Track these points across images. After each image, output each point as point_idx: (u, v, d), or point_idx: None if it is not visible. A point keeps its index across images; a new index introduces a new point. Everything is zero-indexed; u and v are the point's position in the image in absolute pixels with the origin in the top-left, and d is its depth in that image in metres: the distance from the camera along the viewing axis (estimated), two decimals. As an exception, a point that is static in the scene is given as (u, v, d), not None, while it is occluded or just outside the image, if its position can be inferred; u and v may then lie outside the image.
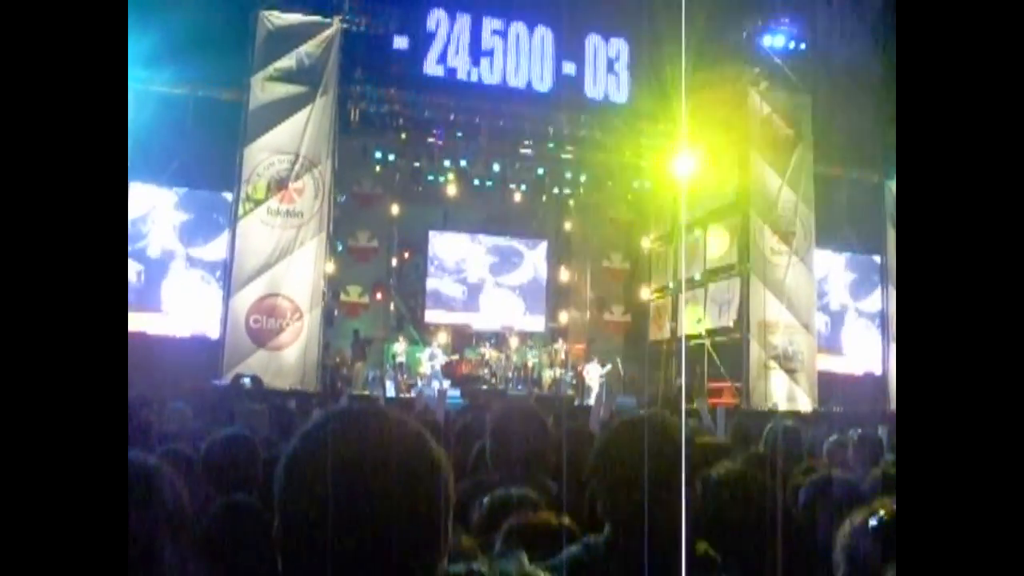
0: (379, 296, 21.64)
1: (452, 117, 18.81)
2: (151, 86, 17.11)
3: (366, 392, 17.65)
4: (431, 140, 19.45)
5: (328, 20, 17.48)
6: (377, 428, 1.26)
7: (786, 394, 18.91)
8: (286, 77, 17.07)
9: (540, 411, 3.25)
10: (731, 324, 19.92)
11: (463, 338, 21.66)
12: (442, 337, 20.84)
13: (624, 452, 2.06)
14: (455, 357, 20.61)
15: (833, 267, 22.10)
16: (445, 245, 23.02)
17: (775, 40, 19.84)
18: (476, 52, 18.07)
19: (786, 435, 3.94)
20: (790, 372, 19.13)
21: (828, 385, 19.63)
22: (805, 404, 18.82)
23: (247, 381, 14.91)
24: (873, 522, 2.02)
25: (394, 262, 22.35)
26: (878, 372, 21.34)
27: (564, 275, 23.49)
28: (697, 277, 21.78)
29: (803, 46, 19.90)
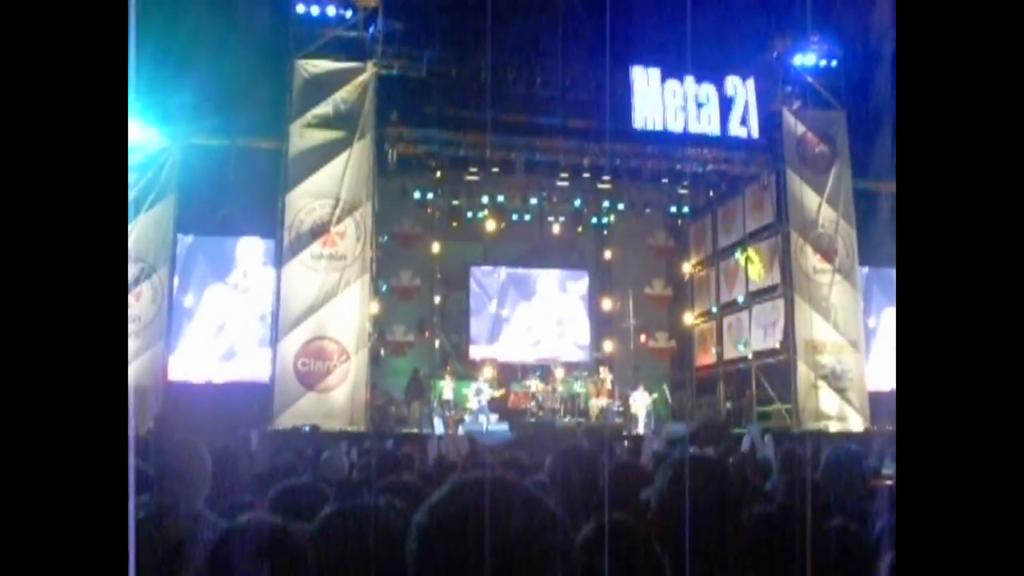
0: (425, 334, 21.76)
1: (488, 154, 18.96)
2: (192, 139, 17.58)
3: (415, 431, 17.71)
4: (468, 177, 19.60)
5: (362, 65, 17.81)
6: (502, 497, 1.31)
7: (837, 413, 18.67)
8: (324, 123, 17.40)
9: (593, 452, 3.30)
10: (777, 345, 19.74)
11: (509, 371, 21.66)
12: (488, 372, 20.86)
13: (679, 496, 2.10)
14: (502, 391, 20.64)
15: (878, 283, 21.78)
16: (486, 280, 23.15)
17: (806, 59, 19.85)
18: (505, 89, 18.20)
19: (846, 460, 3.91)
20: (840, 391, 18.89)
21: (879, 402, 19.29)
22: (857, 423, 18.56)
23: (307, 430, 15.17)
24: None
25: (437, 299, 22.51)
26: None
27: (606, 304, 23.45)
28: (740, 300, 21.64)
29: (834, 63, 19.86)
